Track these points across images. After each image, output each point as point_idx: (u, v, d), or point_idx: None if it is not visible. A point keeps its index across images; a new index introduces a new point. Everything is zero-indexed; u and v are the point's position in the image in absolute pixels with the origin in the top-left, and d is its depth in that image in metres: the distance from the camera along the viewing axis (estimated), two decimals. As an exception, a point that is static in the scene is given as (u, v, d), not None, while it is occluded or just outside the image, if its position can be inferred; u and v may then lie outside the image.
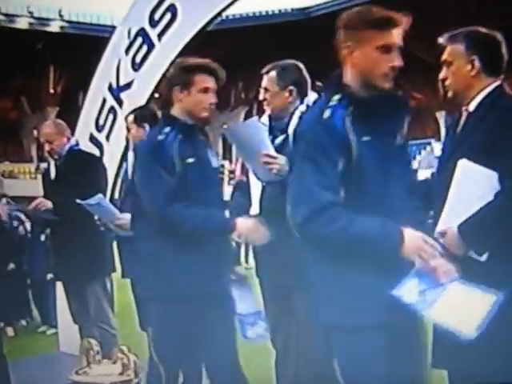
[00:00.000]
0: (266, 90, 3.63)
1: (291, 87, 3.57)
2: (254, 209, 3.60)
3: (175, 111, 3.24)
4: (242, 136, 3.42)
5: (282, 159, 3.30)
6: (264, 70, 3.65)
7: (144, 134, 4.32)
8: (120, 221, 4.22)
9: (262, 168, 3.35)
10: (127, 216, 4.12)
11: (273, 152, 3.34)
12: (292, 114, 3.56)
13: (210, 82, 3.21)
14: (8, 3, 36.58)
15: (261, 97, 3.66)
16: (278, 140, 3.55)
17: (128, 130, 4.49)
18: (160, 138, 3.15)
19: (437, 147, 49.26)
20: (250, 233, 3.13)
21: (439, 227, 2.62)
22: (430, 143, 49.52)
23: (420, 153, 49.55)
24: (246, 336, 3.46)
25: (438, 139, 50.14)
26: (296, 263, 3.36)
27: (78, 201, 4.25)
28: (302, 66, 3.67)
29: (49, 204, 4.62)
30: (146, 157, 3.21)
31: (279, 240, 3.41)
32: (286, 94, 3.58)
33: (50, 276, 7.83)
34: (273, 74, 3.61)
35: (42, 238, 7.91)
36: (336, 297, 2.36)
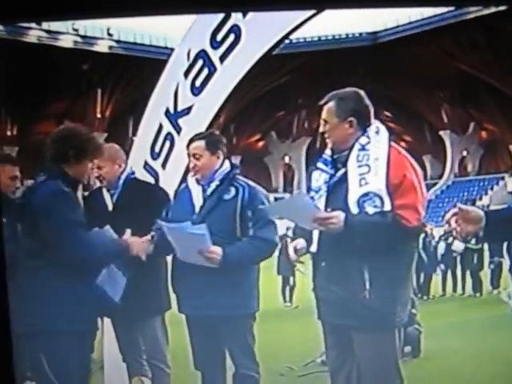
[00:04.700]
0: (325, 122, 3.77)
1: (351, 118, 3.70)
2: (313, 247, 3.81)
3: None
4: (287, 211, 3.78)
5: (336, 216, 3.55)
6: (322, 101, 3.78)
7: (217, 163, 4.40)
8: (212, 254, 4.22)
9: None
10: (219, 250, 4.20)
11: (324, 214, 3.60)
12: (352, 146, 3.70)
13: None
14: (52, 19, 37.22)
15: (321, 129, 3.80)
16: (339, 173, 3.72)
17: (194, 157, 4.43)
18: None
19: (510, 182, 48.47)
20: None
21: None
22: (503, 178, 48.74)
23: (492, 188, 48.70)
24: None
25: (512, 174, 49.22)
26: (354, 303, 3.59)
27: (182, 227, 4.29)
28: (362, 93, 3.79)
29: None
30: None
31: (337, 281, 3.66)
32: (346, 126, 3.71)
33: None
34: (331, 105, 3.74)
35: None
36: None
